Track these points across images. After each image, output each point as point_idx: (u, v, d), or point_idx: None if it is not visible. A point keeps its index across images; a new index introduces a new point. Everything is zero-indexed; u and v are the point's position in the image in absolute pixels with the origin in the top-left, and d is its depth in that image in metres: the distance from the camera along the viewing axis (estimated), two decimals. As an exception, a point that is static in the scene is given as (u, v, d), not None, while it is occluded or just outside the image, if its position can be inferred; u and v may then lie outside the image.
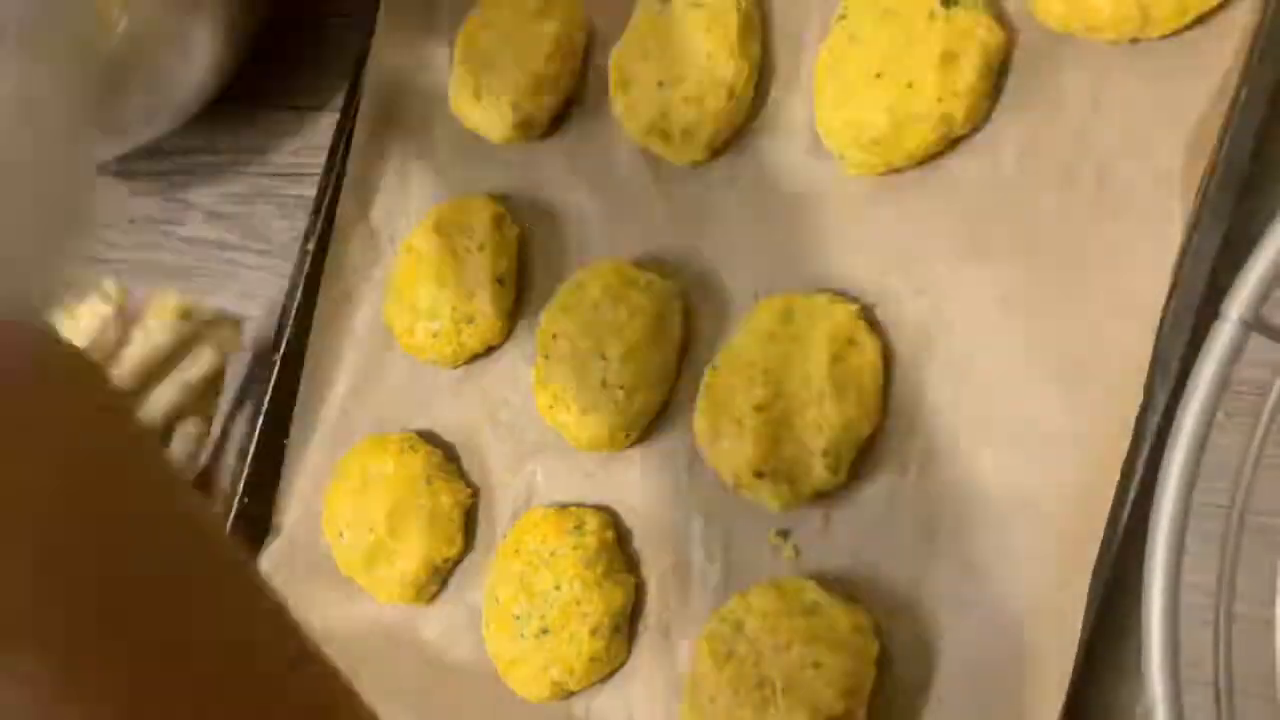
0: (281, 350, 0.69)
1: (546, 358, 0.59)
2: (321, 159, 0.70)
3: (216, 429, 0.71)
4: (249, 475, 0.68)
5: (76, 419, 0.29)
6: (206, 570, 0.31)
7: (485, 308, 0.62)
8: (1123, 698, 0.48)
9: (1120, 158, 0.49)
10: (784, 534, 0.55)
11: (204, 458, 0.70)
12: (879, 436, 0.53)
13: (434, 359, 0.64)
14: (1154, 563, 0.37)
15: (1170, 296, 0.47)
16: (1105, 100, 0.50)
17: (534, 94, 0.62)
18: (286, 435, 0.69)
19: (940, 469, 0.51)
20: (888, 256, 0.54)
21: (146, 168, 0.80)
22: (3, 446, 0.27)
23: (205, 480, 0.72)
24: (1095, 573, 0.46)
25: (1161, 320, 0.47)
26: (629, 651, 0.57)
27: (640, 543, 0.58)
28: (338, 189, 0.69)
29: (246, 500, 0.68)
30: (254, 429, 0.69)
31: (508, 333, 0.64)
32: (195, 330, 0.69)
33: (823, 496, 0.53)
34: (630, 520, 0.59)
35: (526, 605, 0.57)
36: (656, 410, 0.58)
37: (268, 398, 0.69)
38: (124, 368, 0.67)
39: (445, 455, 0.64)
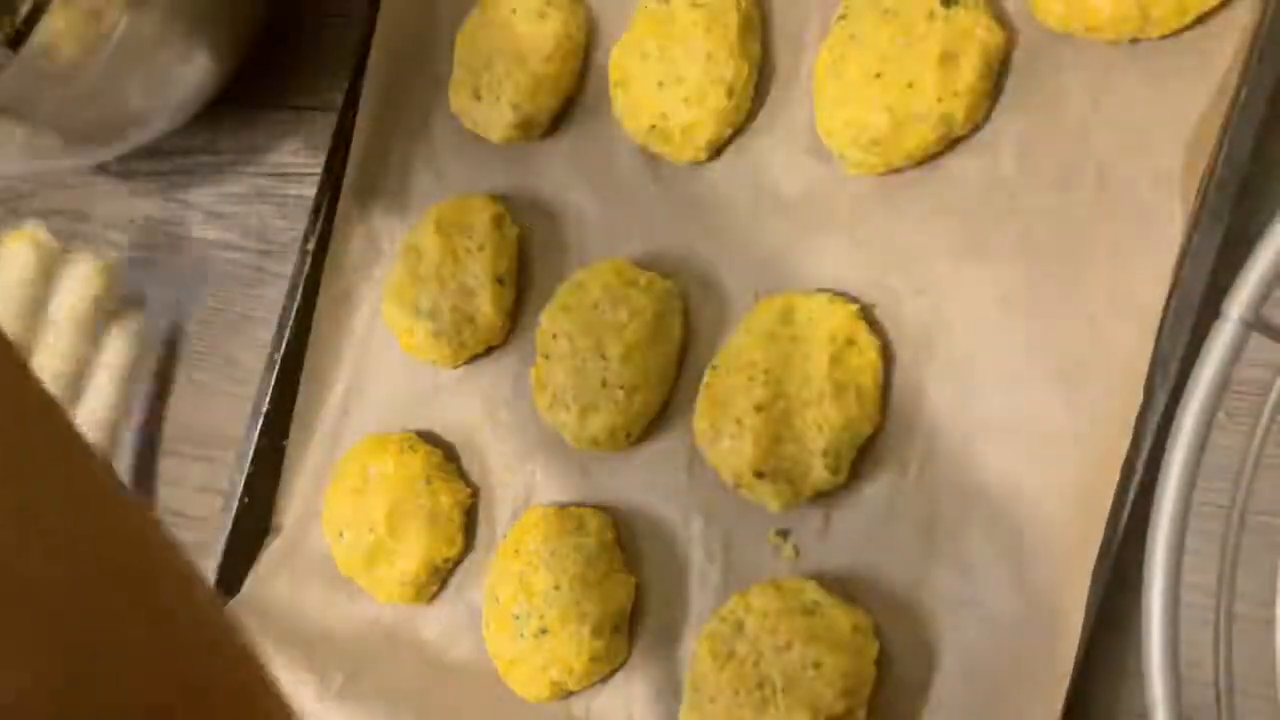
0: (282, 350, 0.69)
1: (546, 358, 0.59)
2: (321, 159, 0.70)
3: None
4: (249, 475, 0.68)
5: None
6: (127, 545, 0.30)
7: (485, 308, 0.62)
8: (1123, 698, 0.48)
9: (1120, 158, 0.49)
10: (784, 534, 0.55)
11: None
12: (879, 436, 0.53)
13: (434, 359, 0.64)
14: (1154, 563, 0.37)
15: (1170, 296, 0.47)
16: (1105, 100, 0.50)
17: (534, 94, 0.62)
18: (286, 435, 0.69)
19: (940, 469, 0.51)
20: (888, 256, 0.54)
21: (146, 168, 0.80)
22: None
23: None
24: (1095, 573, 0.46)
25: (1161, 320, 0.47)
26: (629, 651, 0.57)
27: (640, 543, 0.58)
28: (338, 189, 0.69)
29: (246, 500, 0.68)
30: (254, 429, 0.69)
31: (508, 333, 0.64)
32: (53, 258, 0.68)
33: (823, 496, 0.53)
34: (630, 520, 0.59)
35: (526, 605, 0.57)
36: (656, 410, 0.58)
37: (268, 398, 0.69)
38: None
39: (445, 455, 0.64)
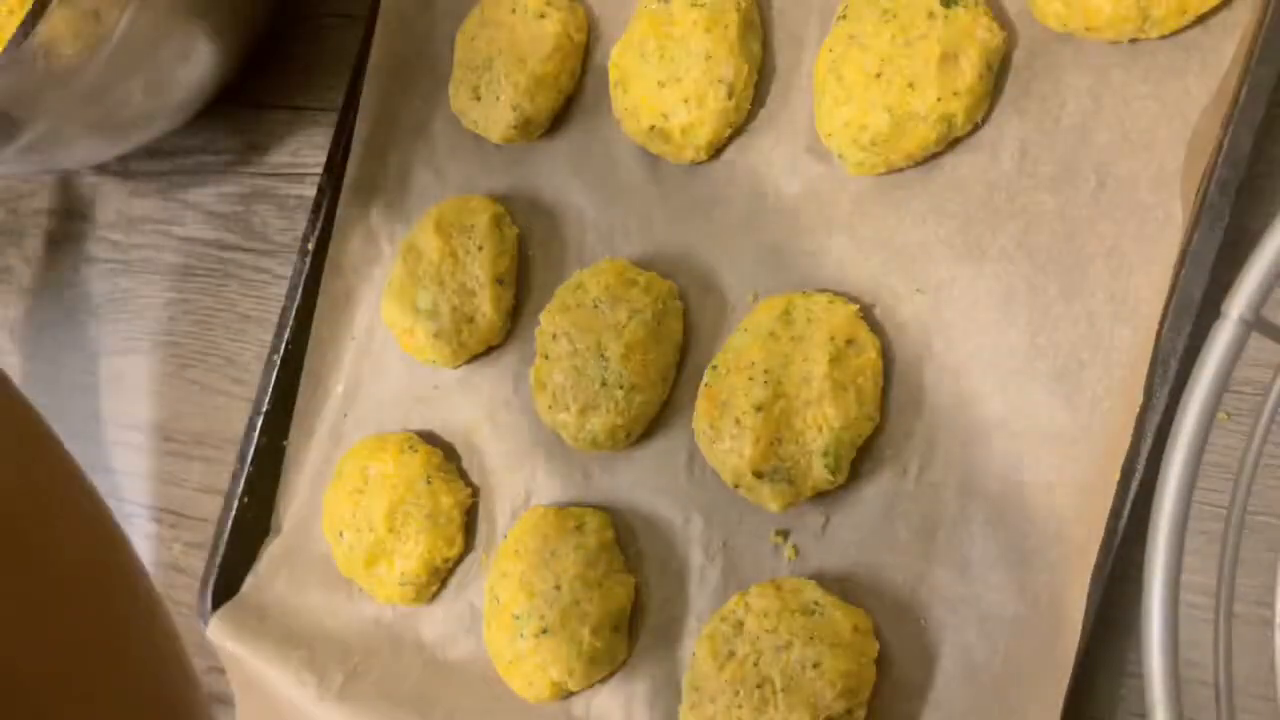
0: (282, 350, 0.69)
1: (546, 358, 0.59)
2: (321, 159, 0.70)
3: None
4: (249, 475, 0.68)
5: None
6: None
7: (485, 308, 0.62)
8: (1123, 698, 0.48)
9: (1120, 158, 0.49)
10: (784, 534, 0.55)
11: None
12: (879, 436, 0.53)
13: (434, 359, 0.64)
14: (1154, 563, 0.37)
15: (1170, 296, 0.47)
16: (1105, 100, 0.50)
17: (534, 94, 0.62)
18: (286, 435, 0.69)
19: (940, 469, 0.51)
20: (888, 256, 0.54)
21: (146, 168, 0.80)
22: None
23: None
24: (1095, 573, 0.46)
25: (1161, 320, 0.47)
26: (629, 651, 0.57)
27: (640, 543, 0.58)
28: (338, 189, 0.69)
29: (246, 500, 0.68)
30: (254, 429, 0.69)
31: (508, 333, 0.64)
32: None
33: (823, 496, 0.53)
34: (630, 520, 0.59)
35: (526, 605, 0.57)
36: (656, 410, 0.58)
37: (268, 397, 0.69)
38: None
39: (445, 455, 0.64)
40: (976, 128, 0.53)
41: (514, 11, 0.64)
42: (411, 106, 0.69)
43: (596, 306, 0.58)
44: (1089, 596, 0.46)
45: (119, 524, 0.32)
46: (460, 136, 0.67)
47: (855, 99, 0.53)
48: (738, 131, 0.58)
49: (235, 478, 0.69)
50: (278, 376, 0.69)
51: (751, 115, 0.58)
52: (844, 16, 0.54)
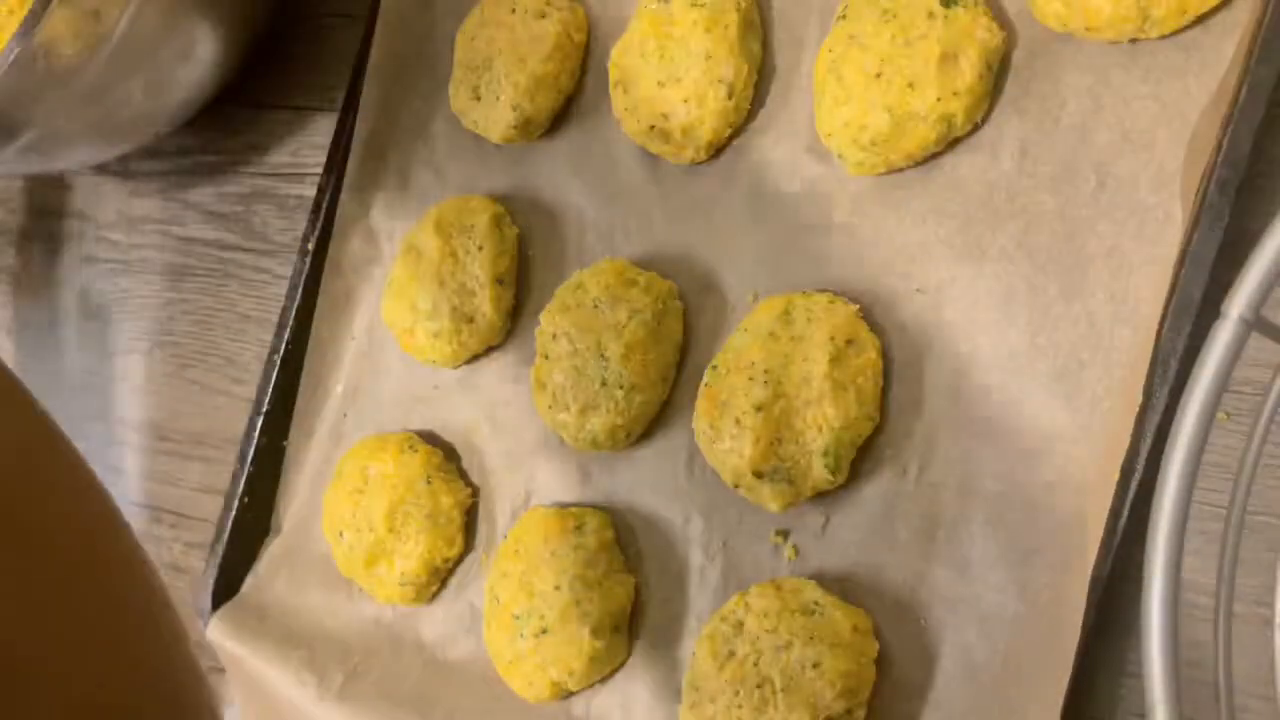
0: (282, 350, 0.69)
1: (546, 358, 0.59)
2: (321, 159, 0.70)
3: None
4: (249, 475, 0.68)
5: None
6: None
7: (485, 308, 0.62)
8: (1123, 698, 0.48)
9: (1120, 158, 0.49)
10: (784, 534, 0.55)
11: None
12: (879, 436, 0.53)
13: (434, 359, 0.64)
14: (1154, 563, 0.37)
15: (1170, 296, 0.47)
16: (1105, 100, 0.50)
17: (534, 94, 0.62)
18: (286, 435, 0.69)
19: (940, 469, 0.51)
20: (888, 256, 0.54)
21: (146, 168, 0.80)
22: None
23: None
24: (1095, 573, 0.46)
25: (1161, 320, 0.47)
26: (629, 651, 0.57)
27: (640, 543, 0.58)
28: (338, 189, 0.69)
29: (246, 500, 0.68)
30: (254, 429, 0.69)
31: (508, 333, 0.64)
32: None
33: (823, 496, 0.53)
34: (630, 520, 0.59)
35: (526, 605, 0.57)
36: (656, 410, 0.58)
37: (268, 397, 0.69)
38: None
39: (445, 455, 0.64)
40: (976, 128, 0.53)
41: (514, 11, 0.64)
42: (411, 106, 0.69)
43: (596, 306, 0.58)
44: (1089, 596, 0.46)
45: (119, 511, 0.32)
46: (460, 136, 0.67)
47: (855, 99, 0.53)
48: (738, 131, 0.58)
49: (235, 478, 0.69)
50: (278, 376, 0.69)
51: (751, 115, 0.58)
52: (844, 16, 0.54)
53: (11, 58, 0.58)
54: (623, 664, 0.57)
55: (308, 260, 0.69)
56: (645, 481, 0.58)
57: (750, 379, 0.53)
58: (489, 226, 0.63)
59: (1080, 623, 0.46)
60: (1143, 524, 0.39)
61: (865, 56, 0.53)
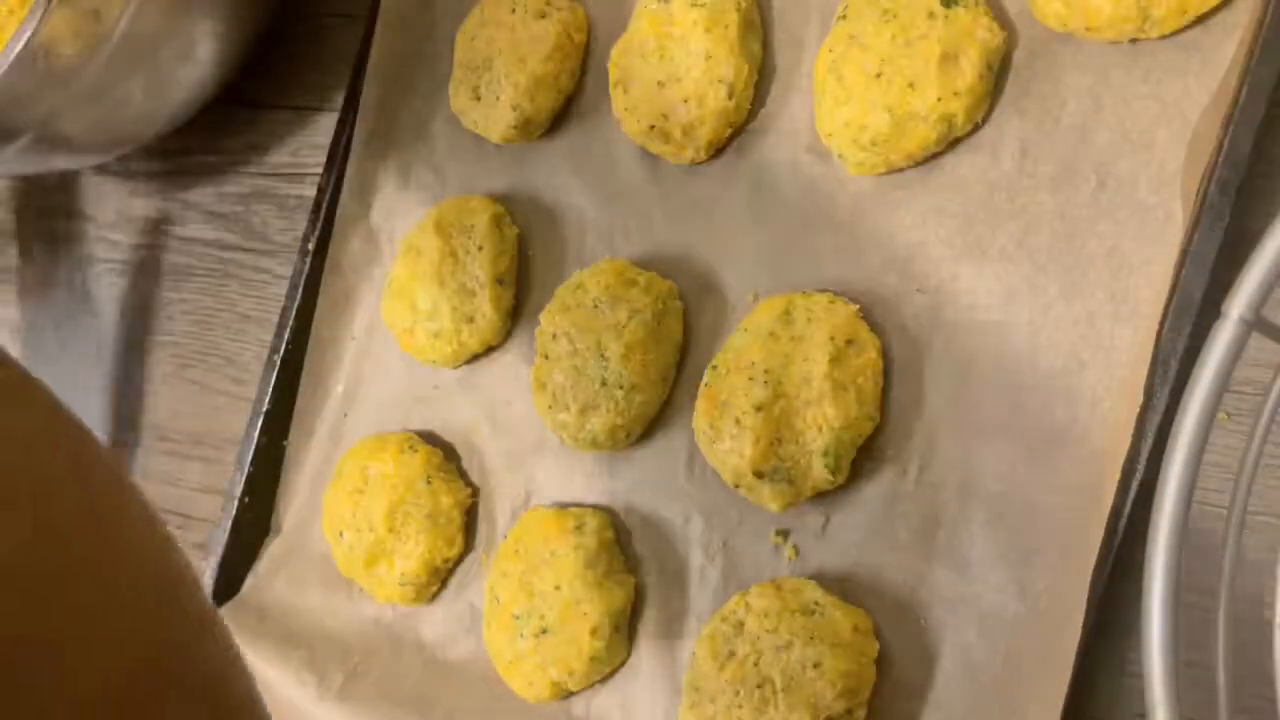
0: (282, 351, 0.69)
1: (546, 358, 0.59)
2: (321, 159, 0.70)
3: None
4: (249, 475, 0.68)
5: None
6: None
7: (485, 308, 0.62)
8: (1123, 698, 0.48)
9: (1120, 158, 0.49)
10: (784, 534, 0.55)
11: None
12: (879, 436, 0.53)
13: (434, 359, 0.64)
14: (1154, 563, 0.37)
15: (1170, 296, 0.47)
16: (1105, 100, 0.50)
17: (534, 94, 0.62)
18: (286, 435, 0.69)
19: (940, 469, 0.51)
20: (888, 256, 0.54)
21: (146, 168, 0.80)
22: None
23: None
24: (1095, 573, 0.46)
25: (1161, 320, 0.47)
26: (629, 651, 0.57)
27: (640, 543, 0.58)
28: (338, 189, 0.69)
29: (246, 500, 0.68)
30: (254, 429, 0.69)
31: (508, 333, 0.64)
32: None
33: (823, 496, 0.53)
34: (630, 520, 0.59)
35: (526, 605, 0.57)
36: (656, 410, 0.58)
37: (268, 397, 0.69)
38: None
39: (445, 455, 0.64)
40: (977, 128, 0.53)
41: (514, 11, 0.63)
42: (411, 106, 0.69)
43: (596, 306, 0.58)
44: (1089, 596, 0.46)
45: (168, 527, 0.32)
46: (460, 136, 0.67)
47: (855, 99, 0.53)
48: (738, 131, 0.58)
49: (235, 478, 0.69)
50: (278, 376, 0.69)
51: (751, 115, 0.58)
52: (844, 16, 0.54)
53: (11, 58, 0.58)
54: (623, 664, 0.57)
55: (308, 260, 0.69)
56: (645, 481, 0.58)
57: (750, 379, 0.53)
58: (489, 226, 0.63)
59: (1080, 623, 0.46)
60: (1143, 524, 0.39)
61: (866, 56, 0.53)
